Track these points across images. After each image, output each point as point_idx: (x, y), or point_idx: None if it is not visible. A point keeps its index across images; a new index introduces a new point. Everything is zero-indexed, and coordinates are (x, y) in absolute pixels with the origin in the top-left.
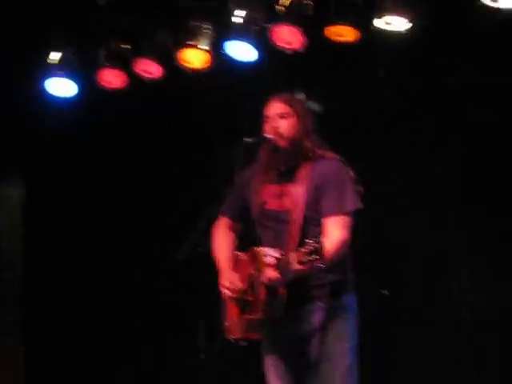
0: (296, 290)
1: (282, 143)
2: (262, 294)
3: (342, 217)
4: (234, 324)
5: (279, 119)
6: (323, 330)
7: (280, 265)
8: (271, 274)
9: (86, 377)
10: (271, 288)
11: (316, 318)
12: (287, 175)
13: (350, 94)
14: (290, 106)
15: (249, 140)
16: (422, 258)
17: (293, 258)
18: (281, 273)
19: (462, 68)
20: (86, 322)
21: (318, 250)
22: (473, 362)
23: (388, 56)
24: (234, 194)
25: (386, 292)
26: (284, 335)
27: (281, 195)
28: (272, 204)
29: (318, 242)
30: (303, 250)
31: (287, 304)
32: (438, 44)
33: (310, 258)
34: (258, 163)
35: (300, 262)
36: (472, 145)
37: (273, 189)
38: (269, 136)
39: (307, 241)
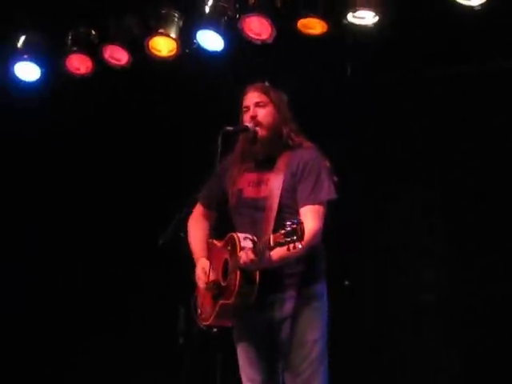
0: (269, 277)
1: (260, 132)
2: (236, 279)
3: (316, 206)
4: (205, 311)
5: (257, 108)
6: (294, 318)
7: (257, 247)
8: (248, 256)
9: (63, 359)
10: (246, 273)
11: (287, 306)
12: (266, 164)
13: (317, 85)
14: (267, 94)
15: (229, 129)
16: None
17: (271, 239)
18: (258, 255)
19: (432, 62)
20: (63, 305)
21: (297, 231)
22: (436, 344)
23: (356, 51)
24: (211, 183)
25: (347, 282)
26: (256, 323)
27: (259, 183)
28: (249, 192)
29: (297, 223)
30: (281, 231)
31: (260, 292)
32: (405, 38)
33: (287, 239)
34: (236, 152)
35: (278, 244)
36: (438, 135)
37: (251, 177)
38: (248, 125)
39: (285, 223)
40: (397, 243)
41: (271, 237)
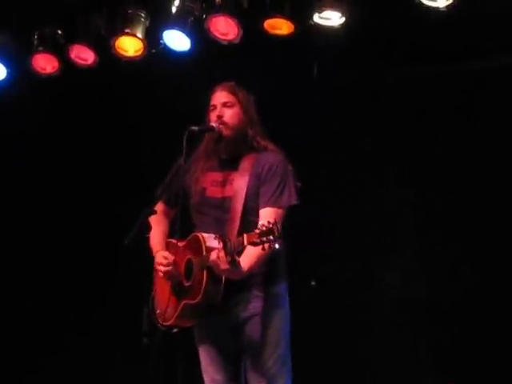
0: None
1: (225, 132)
2: (201, 278)
3: (275, 209)
4: (166, 311)
5: (224, 108)
6: (257, 317)
7: (229, 246)
8: (219, 255)
9: (32, 357)
10: (213, 273)
11: (252, 305)
12: (230, 164)
13: (284, 85)
14: (235, 95)
15: (195, 128)
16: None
17: (244, 238)
18: (229, 254)
19: (398, 64)
20: (27, 304)
21: (273, 231)
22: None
23: (322, 52)
24: (171, 180)
25: (313, 283)
26: (219, 322)
27: (223, 183)
28: (212, 191)
29: (273, 224)
30: (256, 231)
31: (225, 291)
32: (371, 38)
33: (263, 238)
34: (200, 150)
35: (252, 243)
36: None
37: (214, 176)
38: (213, 124)
39: (260, 223)
40: (365, 242)
41: (245, 236)
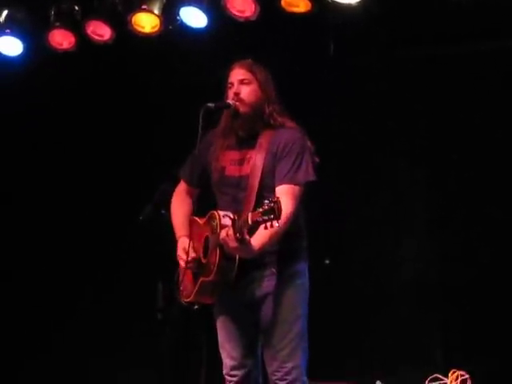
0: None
1: (242, 109)
2: (215, 256)
3: (292, 186)
4: (187, 288)
5: (241, 85)
6: (275, 295)
7: (236, 224)
8: (228, 233)
9: (45, 335)
10: (225, 250)
11: (267, 283)
12: (247, 141)
13: (300, 63)
14: (252, 72)
15: (211, 105)
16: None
17: (249, 217)
18: (236, 233)
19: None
20: (41, 279)
21: (274, 210)
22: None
23: (339, 29)
24: (193, 159)
25: (327, 261)
26: (235, 300)
27: (240, 161)
28: (231, 170)
29: (274, 202)
30: (259, 209)
31: (240, 269)
32: (389, 16)
33: (265, 217)
34: (219, 127)
35: (255, 222)
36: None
37: (232, 155)
38: (230, 102)
39: (264, 201)
40: (380, 220)
41: (249, 215)
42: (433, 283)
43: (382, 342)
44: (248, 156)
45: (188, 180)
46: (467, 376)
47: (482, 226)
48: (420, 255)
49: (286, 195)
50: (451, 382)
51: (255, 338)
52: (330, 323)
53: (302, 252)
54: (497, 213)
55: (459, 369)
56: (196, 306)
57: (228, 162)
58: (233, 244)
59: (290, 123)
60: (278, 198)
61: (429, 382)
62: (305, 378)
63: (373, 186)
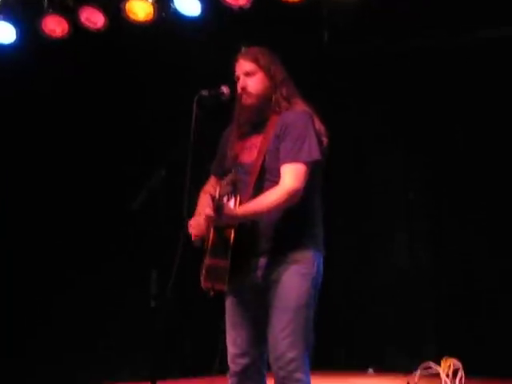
0: (250, 241)
1: (249, 101)
2: (211, 237)
3: (295, 165)
4: (201, 273)
5: (246, 78)
6: (279, 282)
7: (215, 202)
8: (208, 212)
9: (39, 321)
10: (219, 231)
11: (271, 269)
12: (257, 128)
13: (294, 52)
14: (256, 61)
15: (205, 93)
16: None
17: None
18: (214, 210)
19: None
20: (40, 268)
21: (234, 182)
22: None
23: (333, 19)
24: (218, 153)
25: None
26: (242, 287)
27: (250, 148)
28: (243, 157)
29: (213, 198)
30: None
31: (241, 255)
32: (384, 7)
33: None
34: (234, 118)
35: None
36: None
37: (244, 143)
38: (223, 89)
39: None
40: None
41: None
42: (427, 273)
43: (374, 330)
44: (256, 142)
45: (215, 173)
46: (459, 364)
47: (476, 218)
48: (414, 244)
49: (287, 174)
50: (443, 369)
51: (262, 328)
52: (322, 312)
53: (310, 239)
54: (491, 205)
55: (451, 357)
56: (212, 293)
57: (240, 149)
58: (209, 212)
59: (298, 105)
60: (219, 194)
61: (421, 369)
62: (306, 369)
63: (367, 174)
